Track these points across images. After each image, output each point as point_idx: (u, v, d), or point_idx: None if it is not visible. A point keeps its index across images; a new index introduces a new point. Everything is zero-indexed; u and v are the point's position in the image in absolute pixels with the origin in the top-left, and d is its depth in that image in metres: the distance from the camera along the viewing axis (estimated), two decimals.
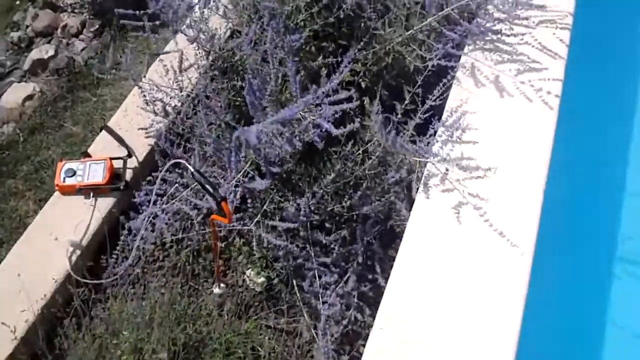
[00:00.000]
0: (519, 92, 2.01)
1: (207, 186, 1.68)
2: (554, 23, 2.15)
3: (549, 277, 1.71)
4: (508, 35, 2.10)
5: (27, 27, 3.74)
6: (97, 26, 3.68)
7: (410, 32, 2.15)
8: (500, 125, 1.94)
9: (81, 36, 3.69)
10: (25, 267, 2.12)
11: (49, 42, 3.68)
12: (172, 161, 1.86)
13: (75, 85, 3.46)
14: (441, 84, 1.93)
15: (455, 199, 1.77)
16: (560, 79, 2.03)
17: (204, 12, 2.28)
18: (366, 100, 2.42)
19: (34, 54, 3.57)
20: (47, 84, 3.48)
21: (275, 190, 2.17)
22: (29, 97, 3.40)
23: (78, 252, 2.15)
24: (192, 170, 1.71)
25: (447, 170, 1.79)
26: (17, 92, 3.42)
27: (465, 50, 2.11)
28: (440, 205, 1.77)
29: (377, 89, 2.40)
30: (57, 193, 2.30)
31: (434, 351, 1.53)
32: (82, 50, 3.62)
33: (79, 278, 2.08)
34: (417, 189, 1.81)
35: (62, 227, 2.20)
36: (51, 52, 3.58)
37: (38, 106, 3.38)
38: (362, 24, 2.25)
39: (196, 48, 2.26)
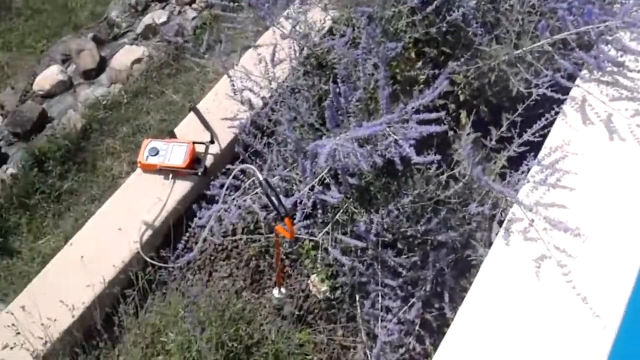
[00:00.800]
0: (633, 137, 1.77)
1: (273, 198, 1.62)
2: None
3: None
4: (631, 70, 1.84)
5: None
6: None
7: (519, 51, 1.95)
8: (605, 174, 1.72)
9: (194, 5, 3.74)
10: (97, 241, 2.19)
11: (163, 8, 3.75)
12: (240, 166, 1.82)
13: (180, 54, 3.51)
14: (543, 119, 1.73)
15: (538, 250, 1.60)
16: None
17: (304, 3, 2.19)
18: (463, 113, 2.26)
19: (148, 19, 3.66)
20: (156, 50, 3.56)
21: (350, 200, 2.09)
22: (138, 61, 3.50)
23: (149, 232, 2.19)
24: (261, 179, 1.66)
25: (532, 220, 1.62)
26: (128, 55, 3.53)
27: (578, 81, 1.88)
28: (521, 254, 1.61)
29: (476, 104, 2.23)
30: (138, 169, 2.35)
31: None
32: (193, 19, 3.67)
33: (146, 258, 2.12)
34: (497, 232, 1.65)
35: (139, 205, 2.25)
36: (164, 19, 3.65)
37: (144, 70, 3.47)
38: (467, 39, 2.07)
39: (291, 42, 2.19)
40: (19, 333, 1.83)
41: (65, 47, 3.66)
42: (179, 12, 3.70)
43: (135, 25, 3.72)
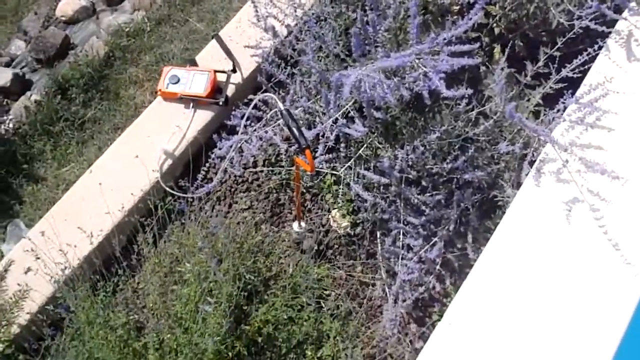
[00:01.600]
0: None
1: (294, 129, 1.56)
2: None
3: None
4: None
5: None
6: None
7: None
8: None
9: None
10: (117, 170, 2.17)
11: None
12: (262, 96, 1.75)
13: None
14: (585, 53, 1.61)
15: (570, 193, 1.52)
16: None
17: None
18: (496, 48, 2.14)
19: None
20: None
21: (374, 135, 2.02)
22: None
23: (169, 161, 2.16)
24: (282, 109, 1.59)
25: (566, 161, 1.53)
26: None
27: (625, 13, 1.74)
28: (552, 196, 1.53)
29: (511, 38, 2.10)
30: (159, 97, 2.29)
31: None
32: None
33: (166, 188, 2.10)
34: (528, 173, 1.57)
35: (159, 133, 2.21)
36: None
37: None
38: None
39: None
40: (38, 258, 1.84)
41: None
42: None
43: None
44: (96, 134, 2.89)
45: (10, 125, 2.94)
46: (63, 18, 3.40)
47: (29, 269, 1.93)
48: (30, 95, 3.09)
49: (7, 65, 3.27)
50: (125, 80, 3.08)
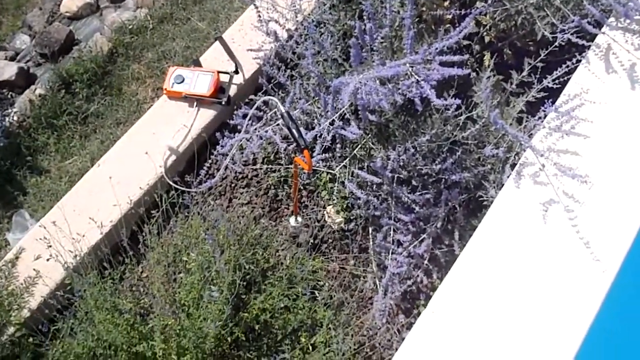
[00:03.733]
0: None
1: (294, 131, 1.68)
2: None
3: (628, 306, 1.58)
4: None
5: None
6: None
7: None
8: (622, 124, 1.74)
9: None
10: (124, 164, 2.27)
11: None
12: (263, 98, 1.86)
13: None
14: (565, 65, 1.74)
15: (547, 194, 1.66)
16: None
17: None
18: (487, 55, 2.26)
19: None
20: None
21: (369, 136, 2.14)
22: None
23: (174, 157, 2.28)
24: (283, 111, 1.71)
25: (543, 165, 1.66)
26: None
27: (604, 28, 1.87)
28: (530, 197, 1.67)
29: (501, 46, 2.23)
30: (164, 96, 2.41)
31: (483, 349, 1.51)
32: None
33: (170, 182, 2.21)
34: (509, 175, 1.70)
35: (164, 130, 2.32)
36: None
37: None
38: None
39: None
40: (50, 246, 1.95)
41: None
42: None
43: None
44: (99, 128, 2.99)
45: (15, 119, 3.03)
46: (67, 14, 3.49)
47: (39, 256, 2.03)
48: (35, 89, 3.17)
49: (12, 59, 3.36)
50: (128, 77, 3.17)
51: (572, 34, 1.82)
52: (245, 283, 1.93)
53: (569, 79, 1.82)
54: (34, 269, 1.99)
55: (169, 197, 2.17)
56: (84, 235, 2.06)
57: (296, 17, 2.27)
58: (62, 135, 2.98)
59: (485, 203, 2.01)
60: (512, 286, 1.57)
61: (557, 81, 1.79)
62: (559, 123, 1.72)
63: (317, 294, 2.05)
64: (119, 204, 2.12)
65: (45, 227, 2.02)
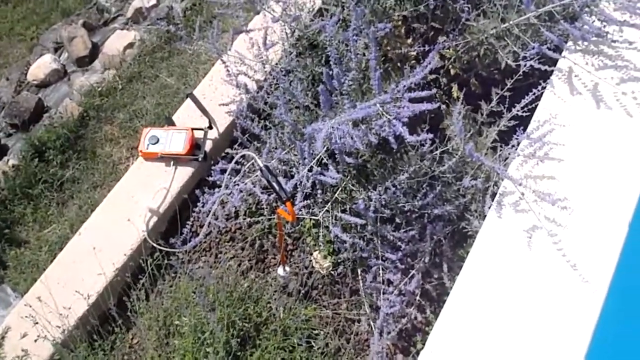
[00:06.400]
0: (619, 105, 1.82)
1: (274, 184, 1.68)
2: None
3: (622, 323, 1.58)
4: (615, 40, 1.89)
5: None
6: None
7: (506, 25, 1.98)
8: (592, 143, 1.78)
9: None
10: (105, 230, 2.25)
11: None
12: (241, 153, 1.87)
13: (172, 36, 3.52)
14: (531, 93, 1.78)
15: (529, 221, 1.67)
16: None
17: None
18: (454, 87, 2.31)
19: (137, 2, 3.66)
20: (147, 33, 3.57)
21: (348, 178, 2.15)
22: (130, 45, 3.51)
23: (155, 218, 2.26)
24: (261, 165, 1.71)
25: (522, 194, 1.68)
26: (119, 40, 3.54)
27: (564, 52, 1.92)
28: (513, 226, 1.68)
29: (467, 77, 2.27)
30: (140, 158, 2.40)
31: None
32: (182, 0, 3.66)
33: (154, 244, 2.19)
34: (490, 206, 1.72)
35: (143, 192, 2.31)
36: (153, 1, 3.66)
37: (137, 55, 3.49)
38: (455, 13, 2.10)
39: (282, 24, 2.22)
40: (37, 323, 1.91)
41: (56, 35, 3.67)
42: None
43: (125, 9, 3.72)
44: (76, 193, 2.96)
45: None
46: (35, 82, 3.49)
47: (25, 334, 1.99)
48: (8, 160, 3.15)
49: None
50: (101, 139, 3.17)
51: (534, 61, 1.87)
52: (239, 340, 1.91)
53: (537, 105, 1.86)
54: (22, 349, 1.94)
55: (154, 260, 2.15)
56: (70, 308, 2.03)
57: (264, 67, 2.29)
58: (38, 204, 2.94)
59: (470, 233, 2.03)
60: (507, 316, 1.57)
61: (526, 108, 1.82)
62: (532, 150, 1.75)
63: (313, 343, 2.03)
64: (104, 272, 2.09)
65: (30, 305, 1.97)
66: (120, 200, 2.32)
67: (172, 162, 2.35)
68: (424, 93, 1.86)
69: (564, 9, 1.89)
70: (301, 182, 2.01)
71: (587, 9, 1.90)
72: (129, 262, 2.18)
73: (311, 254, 2.27)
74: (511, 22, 1.98)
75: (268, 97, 2.24)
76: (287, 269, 2.15)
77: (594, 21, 1.89)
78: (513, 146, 1.80)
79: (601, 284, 1.56)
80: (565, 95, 1.89)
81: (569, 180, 1.72)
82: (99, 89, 3.36)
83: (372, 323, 2.09)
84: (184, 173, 2.35)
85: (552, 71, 1.91)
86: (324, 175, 1.98)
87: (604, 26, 1.89)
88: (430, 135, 1.78)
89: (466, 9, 2.02)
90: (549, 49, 1.86)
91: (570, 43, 1.97)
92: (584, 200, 1.68)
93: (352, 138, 1.80)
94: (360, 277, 2.16)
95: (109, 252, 2.18)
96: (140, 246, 2.20)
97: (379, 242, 2.07)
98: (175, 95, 3.22)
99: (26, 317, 1.94)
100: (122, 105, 3.29)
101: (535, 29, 1.97)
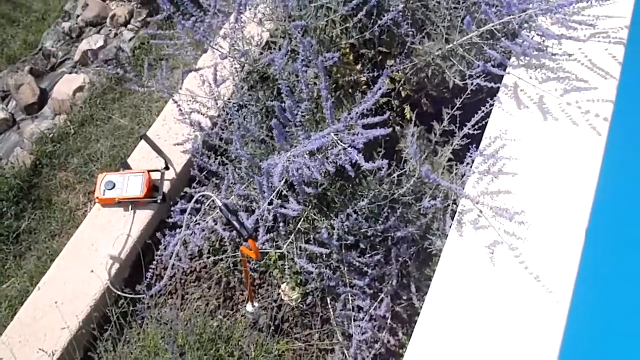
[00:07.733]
0: (565, 115, 1.88)
1: (235, 222, 1.67)
2: (607, 37, 1.97)
3: (588, 329, 1.61)
4: (554, 54, 1.95)
5: (78, 17, 3.79)
6: (144, 15, 3.68)
7: (450, 46, 2.03)
8: (542, 155, 1.82)
9: (129, 26, 3.71)
10: (66, 282, 2.19)
11: (98, 33, 3.72)
12: (200, 193, 1.86)
13: (123, 77, 3.48)
14: (480, 111, 1.82)
15: (490, 237, 1.70)
16: (612, 100, 1.88)
17: (239, 19, 2.22)
18: (407, 108, 2.34)
19: (84, 45, 3.62)
20: (97, 76, 3.53)
21: (310, 208, 2.15)
22: (80, 89, 3.47)
23: (117, 265, 2.21)
24: (220, 205, 1.70)
25: (481, 211, 1.71)
26: (69, 84, 3.50)
27: (509, 69, 1.98)
28: (474, 243, 1.70)
29: (418, 98, 2.31)
30: (98, 205, 2.35)
31: None
32: (131, 40, 3.64)
33: (118, 292, 2.14)
34: (451, 225, 1.74)
35: (103, 240, 2.26)
36: (101, 43, 3.62)
37: (88, 98, 3.44)
38: (401, 37, 2.14)
39: (231, 60, 2.22)
40: None
41: (3, 83, 3.60)
42: (115, 35, 3.67)
43: (72, 52, 3.68)
44: (33, 244, 2.89)
45: None
46: None
47: None
48: None
49: None
50: (56, 186, 3.10)
51: (480, 79, 1.92)
52: None
53: (487, 122, 1.90)
54: None
55: (119, 308, 2.10)
56: None
57: (217, 103, 2.29)
58: None
59: (434, 252, 2.04)
60: (478, 331, 1.58)
61: (477, 126, 1.86)
62: (487, 167, 1.78)
63: None
64: (67, 325, 2.03)
65: None
66: (79, 250, 2.27)
67: (130, 207, 2.31)
68: (377, 119, 1.88)
69: (504, 27, 1.94)
70: (263, 216, 2.00)
71: (526, 25, 1.96)
72: (94, 312, 2.12)
73: (279, 287, 2.25)
74: (455, 43, 2.03)
75: (223, 133, 2.23)
76: (256, 304, 2.12)
77: (533, 37, 1.95)
78: (468, 164, 1.83)
79: (564, 293, 1.59)
80: (513, 110, 1.93)
81: (524, 193, 1.75)
82: (51, 135, 3.30)
83: (346, 352, 2.08)
84: (144, 216, 2.31)
85: (499, 88, 1.96)
86: (285, 208, 1.97)
87: (544, 41, 1.95)
88: (386, 162, 1.80)
89: (411, 33, 2.06)
90: (494, 66, 1.90)
91: (513, 59, 2.02)
92: (541, 212, 1.72)
93: (309, 169, 1.80)
94: (330, 306, 2.15)
95: (72, 304, 2.12)
96: (104, 295, 2.15)
97: (346, 269, 2.07)
98: (130, 136, 3.18)
99: None
100: (75, 150, 3.24)
101: (479, 48, 2.02)
